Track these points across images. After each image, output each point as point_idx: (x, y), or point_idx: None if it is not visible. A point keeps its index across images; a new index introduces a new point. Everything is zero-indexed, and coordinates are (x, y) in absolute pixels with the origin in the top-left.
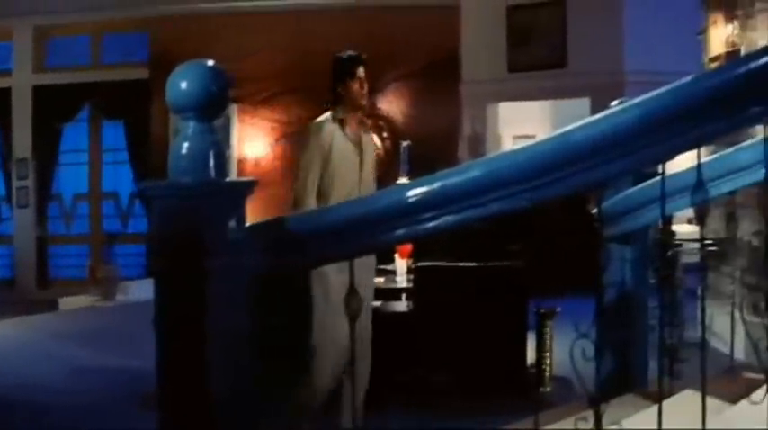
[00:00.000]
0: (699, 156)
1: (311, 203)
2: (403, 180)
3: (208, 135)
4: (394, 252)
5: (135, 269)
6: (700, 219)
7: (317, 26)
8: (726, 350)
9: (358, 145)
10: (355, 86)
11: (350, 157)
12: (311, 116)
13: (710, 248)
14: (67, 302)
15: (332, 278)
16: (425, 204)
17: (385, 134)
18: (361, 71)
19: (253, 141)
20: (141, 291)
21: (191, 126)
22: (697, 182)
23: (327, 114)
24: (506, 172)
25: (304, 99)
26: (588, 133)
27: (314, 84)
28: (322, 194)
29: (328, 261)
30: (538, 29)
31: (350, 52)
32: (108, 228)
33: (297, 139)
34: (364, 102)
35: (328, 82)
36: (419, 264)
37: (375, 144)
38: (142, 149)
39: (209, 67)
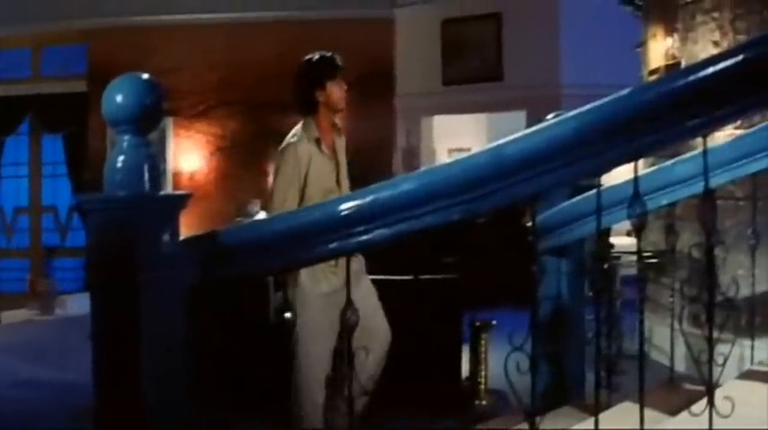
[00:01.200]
0: (635, 169)
1: None
2: None
3: (143, 148)
4: None
5: (74, 283)
6: (637, 232)
7: (252, 39)
8: (666, 362)
9: (334, 158)
10: (335, 89)
11: (328, 175)
12: (246, 130)
13: (649, 260)
14: (7, 316)
15: (307, 289)
16: (358, 218)
17: None
18: (339, 72)
19: (188, 155)
20: (80, 304)
21: (126, 139)
22: (633, 194)
23: (299, 131)
24: (440, 185)
25: (239, 112)
26: (522, 146)
27: (248, 97)
28: None
29: (263, 274)
30: (473, 42)
31: (322, 53)
32: (47, 242)
33: (274, 160)
34: (343, 105)
35: (298, 90)
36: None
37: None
38: (81, 162)
39: (144, 81)
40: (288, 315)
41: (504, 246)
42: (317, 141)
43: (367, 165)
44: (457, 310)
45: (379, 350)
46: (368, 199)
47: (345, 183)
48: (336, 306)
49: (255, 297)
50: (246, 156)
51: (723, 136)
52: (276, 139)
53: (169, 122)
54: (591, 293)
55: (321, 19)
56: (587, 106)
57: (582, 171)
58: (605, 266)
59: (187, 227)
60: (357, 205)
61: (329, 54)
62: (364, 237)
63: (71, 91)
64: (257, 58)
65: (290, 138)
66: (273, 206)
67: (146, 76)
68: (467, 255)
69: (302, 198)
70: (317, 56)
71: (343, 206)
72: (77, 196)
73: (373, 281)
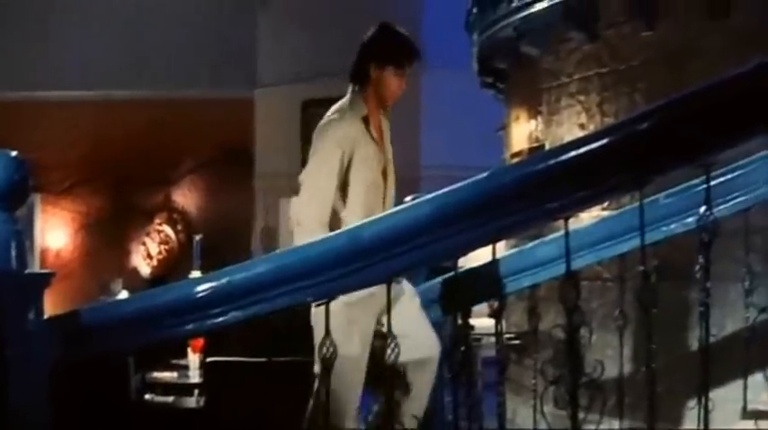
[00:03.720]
0: (494, 251)
1: (319, 232)
2: (196, 273)
3: (9, 225)
4: (187, 346)
5: None
6: (496, 314)
7: (118, 117)
8: None
9: (381, 146)
10: (393, 80)
11: (374, 165)
12: (110, 207)
13: (512, 342)
14: None
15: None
16: (214, 299)
17: (179, 227)
18: (406, 67)
19: (55, 231)
20: None
21: None
22: (492, 277)
23: (345, 106)
24: (295, 267)
25: (103, 189)
26: (379, 228)
27: (113, 174)
28: (334, 216)
29: (123, 353)
30: None
31: (404, 31)
32: None
33: (313, 139)
34: (392, 102)
35: (360, 50)
36: (209, 359)
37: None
38: None
39: (12, 157)
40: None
41: None
42: (365, 120)
43: (227, 245)
44: (310, 393)
45: (430, 365)
46: (223, 281)
47: (392, 178)
48: (363, 314)
49: (116, 376)
50: (110, 234)
51: (590, 217)
52: (140, 217)
53: (36, 199)
54: (450, 375)
55: (184, 98)
56: (444, 189)
57: (438, 253)
58: (464, 349)
59: (52, 304)
60: (212, 287)
61: (410, 41)
62: (220, 319)
63: None
64: (123, 136)
65: (332, 113)
66: (305, 198)
67: (13, 152)
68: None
69: (344, 190)
70: (397, 30)
71: (200, 287)
72: None
73: (226, 363)
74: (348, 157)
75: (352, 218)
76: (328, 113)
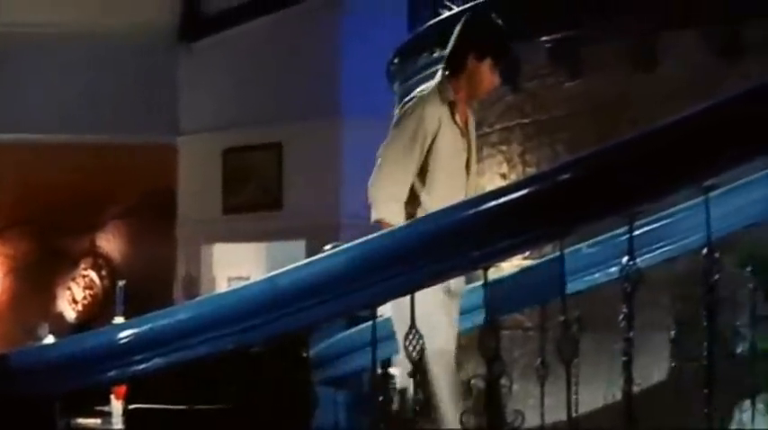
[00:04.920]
0: (412, 302)
1: (395, 209)
2: (119, 320)
3: None
4: (110, 393)
5: None
6: (414, 364)
7: (44, 161)
8: None
9: (466, 135)
10: (488, 74)
11: (458, 154)
12: (37, 251)
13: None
14: None
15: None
16: (136, 346)
17: (104, 272)
18: (503, 59)
19: None
20: None
21: None
22: (410, 326)
23: (433, 88)
24: (214, 315)
25: (30, 234)
26: (296, 277)
27: (40, 218)
28: (413, 199)
29: (49, 396)
30: (253, 171)
31: (502, 24)
32: None
33: (395, 120)
34: (482, 96)
35: (457, 36)
36: (130, 406)
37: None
38: None
39: None
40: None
41: (280, 377)
42: (451, 106)
43: (150, 291)
44: None
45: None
46: (144, 328)
47: (475, 169)
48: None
49: (42, 421)
50: (37, 279)
51: (510, 266)
52: (66, 262)
53: None
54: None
55: (109, 144)
56: (362, 238)
57: (357, 302)
58: (381, 398)
59: None
60: (135, 333)
61: (507, 41)
62: (142, 366)
63: None
64: (49, 180)
65: (418, 92)
66: (382, 173)
67: None
68: (242, 384)
69: (424, 174)
70: (498, 23)
71: (121, 334)
72: None
73: (147, 410)
74: (431, 138)
75: (431, 203)
76: (415, 92)
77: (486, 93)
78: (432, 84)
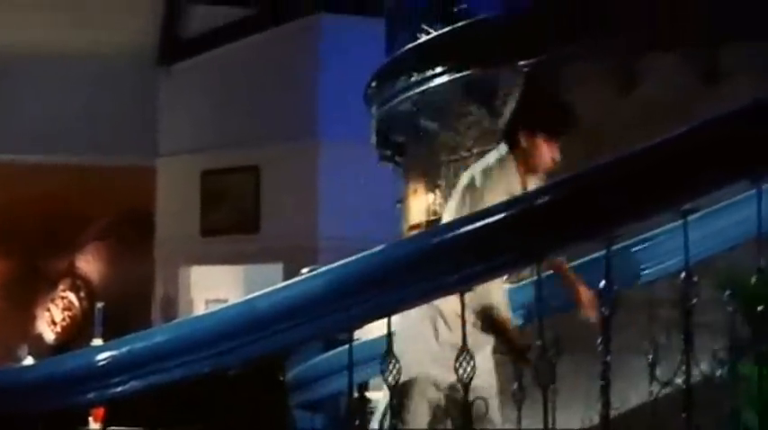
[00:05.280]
0: (389, 325)
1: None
2: (97, 341)
3: None
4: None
5: None
6: (391, 388)
7: (21, 181)
8: None
9: None
10: (544, 149)
11: None
12: (15, 272)
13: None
14: None
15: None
16: (114, 368)
17: (82, 293)
18: (563, 131)
19: None
20: None
21: None
22: (387, 350)
23: (494, 166)
24: (190, 337)
25: (7, 254)
26: (273, 300)
27: (17, 239)
28: None
29: (28, 417)
30: (231, 194)
31: (555, 94)
32: None
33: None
34: (544, 170)
35: (515, 108)
36: (109, 429)
37: None
38: None
39: None
40: None
41: (256, 400)
42: (513, 179)
43: (128, 313)
44: None
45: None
46: (123, 349)
47: None
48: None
49: None
50: (16, 299)
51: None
52: (45, 283)
53: None
54: None
55: (89, 165)
56: (340, 262)
57: (332, 325)
58: (358, 423)
59: None
60: (113, 356)
61: (562, 105)
62: (120, 388)
63: None
64: (27, 200)
65: (478, 170)
66: None
67: None
68: (220, 408)
69: None
70: (548, 93)
71: (99, 356)
72: None
73: None
74: None
75: None
76: (477, 167)
77: (545, 168)
78: (493, 161)
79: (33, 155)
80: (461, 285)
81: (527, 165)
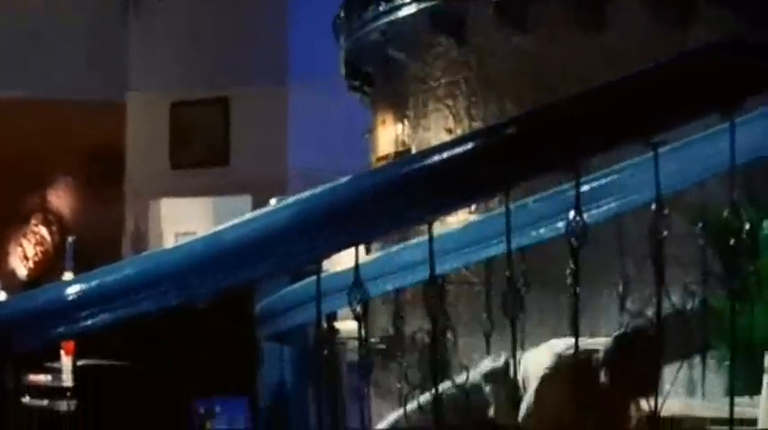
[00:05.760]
0: (356, 256)
1: None
2: (68, 276)
3: None
4: (61, 348)
5: None
6: (358, 318)
7: None
8: None
9: None
10: None
11: None
12: None
13: (377, 346)
14: None
15: None
16: (82, 302)
17: (54, 228)
18: None
19: None
20: None
21: None
22: (354, 281)
23: None
24: (159, 270)
25: None
26: (241, 232)
27: None
28: None
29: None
30: (200, 126)
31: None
32: None
33: None
34: None
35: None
36: (79, 362)
37: None
38: None
39: None
40: None
41: (226, 333)
42: None
43: (99, 247)
44: (182, 397)
45: None
46: (93, 283)
47: None
48: None
49: None
50: None
51: (457, 221)
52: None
53: None
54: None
55: (53, 99)
56: (306, 192)
57: (301, 257)
58: (327, 352)
59: None
60: (81, 289)
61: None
62: (89, 322)
63: None
64: None
65: None
66: None
67: None
68: (188, 341)
69: None
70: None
71: (69, 290)
72: None
73: (96, 367)
74: None
75: None
76: None
77: None
78: None
79: (4, 90)
80: (428, 216)
81: None
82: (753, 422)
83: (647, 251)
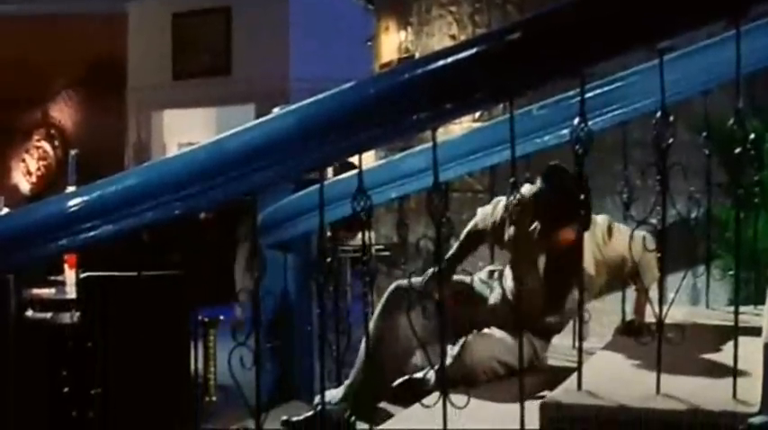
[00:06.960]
0: (360, 163)
1: None
2: (71, 189)
3: None
4: (64, 262)
5: None
6: (361, 226)
7: None
8: None
9: None
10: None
11: None
12: None
13: (381, 253)
14: None
15: None
16: (85, 214)
17: (57, 143)
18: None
19: None
20: None
21: None
22: (358, 188)
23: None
24: (161, 180)
25: None
26: (243, 140)
27: None
28: None
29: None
30: (202, 36)
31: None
32: None
33: None
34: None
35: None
36: (83, 274)
37: None
38: None
39: None
40: None
41: (231, 242)
42: None
43: (101, 160)
44: (185, 307)
45: None
46: (94, 195)
47: None
48: None
49: None
50: None
51: (461, 128)
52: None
53: None
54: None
55: (53, 14)
56: (309, 100)
57: (304, 164)
58: (330, 260)
59: None
60: (84, 201)
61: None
62: (92, 233)
63: None
64: None
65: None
66: None
67: None
68: (192, 250)
69: None
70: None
71: (71, 202)
72: None
73: (99, 278)
74: None
75: None
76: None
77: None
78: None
79: (3, 6)
80: (432, 122)
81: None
82: (757, 331)
83: (651, 159)
